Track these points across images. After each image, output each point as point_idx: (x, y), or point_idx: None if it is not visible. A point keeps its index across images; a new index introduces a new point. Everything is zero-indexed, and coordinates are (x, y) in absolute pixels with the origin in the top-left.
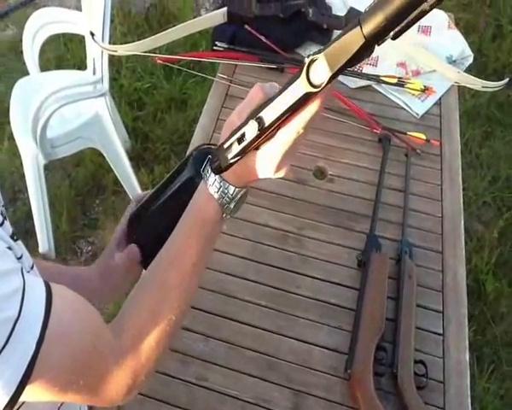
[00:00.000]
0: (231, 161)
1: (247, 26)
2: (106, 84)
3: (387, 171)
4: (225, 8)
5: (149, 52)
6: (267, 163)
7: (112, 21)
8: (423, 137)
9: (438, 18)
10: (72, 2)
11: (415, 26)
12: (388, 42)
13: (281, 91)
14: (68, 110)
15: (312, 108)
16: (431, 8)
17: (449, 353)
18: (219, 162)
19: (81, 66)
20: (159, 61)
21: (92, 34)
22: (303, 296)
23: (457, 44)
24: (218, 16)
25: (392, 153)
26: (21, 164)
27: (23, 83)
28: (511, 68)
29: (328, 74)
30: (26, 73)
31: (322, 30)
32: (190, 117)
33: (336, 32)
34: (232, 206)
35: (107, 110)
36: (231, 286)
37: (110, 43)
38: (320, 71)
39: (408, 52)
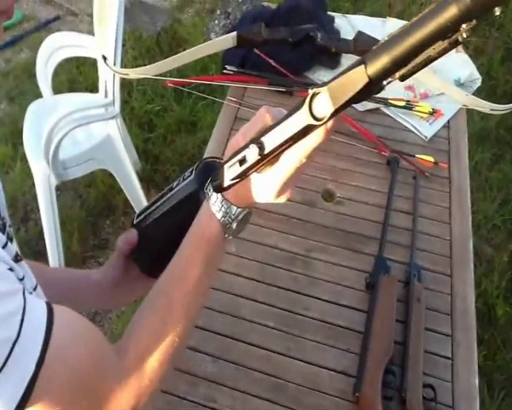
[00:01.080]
0: (231, 182)
1: (256, 50)
2: (117, 107)
3: (396, 193)
4: (235, 33)
5: (160, 75)
6: (268, 188)
7: (123, 45)
8: (432, 159)
9: None
10: (85, 26)
11: None
12: None
13: (283, 119)
14: (80, 132)
15: (316, 138)
16: (438, 55)
17: (458, 377)
18: (220, 181)
19: (93, 88)
20: (169, 84)
21: (104, 58)
22: (311, 318)
23: (465, 67)
24: (227, 40)
25: (401, 175)
26: (34, 184)
27: (36, 105)
28: None
29: (331, 109)
30: (39, 95)
31: (330, 53)
32: (200, 139)
33: (345, 56)
34: (234, 226)
35: (119, 132)
36: (240, 307)
37: (121, 66)
38: (323, 104)
39: (416, 75)
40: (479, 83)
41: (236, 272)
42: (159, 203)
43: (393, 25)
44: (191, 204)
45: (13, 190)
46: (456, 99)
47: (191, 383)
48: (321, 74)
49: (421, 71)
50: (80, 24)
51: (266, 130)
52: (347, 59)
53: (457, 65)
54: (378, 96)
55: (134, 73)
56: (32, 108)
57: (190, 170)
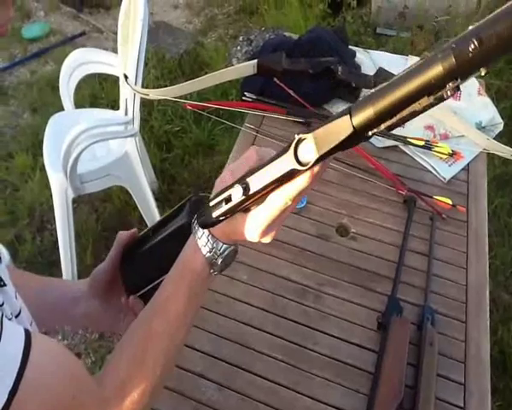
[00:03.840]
0: (216, 220)
1: (275, 79)
2: (136, 126)
3: (411, 233)
4: (256, 61)
5: (180, 97)
6: (253, 227)
7: (146, 65)
8: (449, 202)
9: (468, 83)
10: (110, 44)
11: None
12: None
13: (269, 161)
14: (99, 148)
15: (301, 183)
16: (424, 109)
17: None
18: (206, 218)
19: (114, 105)
20: (189, 106)
21: (126, 77)
22: (320, 354)
23: (487, 111)
24: (248, 67)
25: (417, 215)
26: (51, 196)
27: (57, 117)
28: None
29: (315, 156)
30: (61, 107)
31: (350, 88)
32: (217, 163)
33: (364, 91)
34: (219, 262)
35: (137, 150)
36: (248, 337)
37: (143, 85)
38: (308, 150)
39: (437, 115)
40: (500, 127)
41: (246, 300)
42: (150, 234)
43: (415, 63)
44: (181, 236)
45: (31, 199)
46: (476, 142)
47: None
48: (339, 107)
49: (443, 112)
50: (105, 41)
51: (252, 171)
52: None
53: (479, 108)
54: (397, 133)
55: (154, 94)
56: (54, 120)
57: (183, 202)
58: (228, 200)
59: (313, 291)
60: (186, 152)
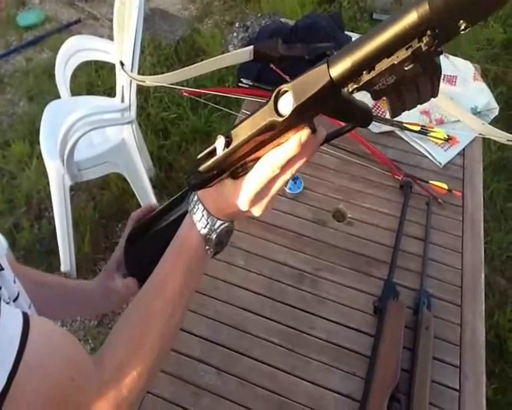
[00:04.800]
0: (204, 176)
1: (272, 65)
2: (133, 113)
3: (408, 218)
4: (252, 47)
5: (177, 84)
6: (241, 194)
7: (142, 52)
8: (445, 186)
9: (464, 69)
10: (106, 31)
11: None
12: None
13: (251, 114)
14: (96, 135)
15: (288, 148)
16: (403, 65)
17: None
18: (195, 179)
19: (110, 93)
20: (185, 93)
21: (122, 64)
22: (317, 338)
23: (483, 96)
24: (244, 54)
25: (413, 200)
26: (48, 183)
27: (54, 105)
28: None
29: (293, 105)
30: (57, 95)
31: None
32: None
33: None
34: (214, 237)
35: (134, 137)
36: (246, 322)
37: (139, 72)
38: (286, 101)
39: (432, 100)
40: (496, 112)
41: (244, 285)
42: (155, 220)
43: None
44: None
45: (28, 187)
46: (472, 127)
47: (195, 394)
48: None
49: (438, 96)
50: (101, 28)
51: (236, 125)
52: None
53: (475, 93)
54: (393, 119)
55: (150, 81)
56: (50, 107)
57: (186, 189)
58: (213, 152)
59: (310, 276)
60: (183, 139)
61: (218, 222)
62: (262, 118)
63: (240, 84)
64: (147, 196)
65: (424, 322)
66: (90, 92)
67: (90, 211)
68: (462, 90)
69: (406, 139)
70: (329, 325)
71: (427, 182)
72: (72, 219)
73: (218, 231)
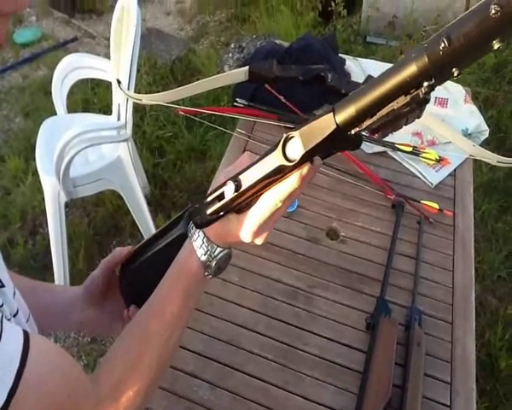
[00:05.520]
0: (210, 217)
1: (267, 86)
2: (129, 130)
3: (400, 237)
4: (247, 67)
5: (172, 103)
6: (246, 227)
7: (138, 71)
8: (436, 206)
9: (455, 91)
10: (102, 49)
11: (432, 98)
12: None
13: (260, 159)
14: (92, 152)
15: (290, 184)
16: (402, 109)
17: None
18: (201, 218)
19: (106, 110)
20: (181, 112)
21: (119, 82)
22: (310, 354)
23: (474, 118)
24: (240, 74)
25: (405, 219)
26: (43, 199)
27: (50, 122)
28: None
29: (302, 151)
30: (53, 112)
31: (340, 95)
32: (209, 168)
33: None
34: (213, 264)
35: (129, 155)
36: (240, 337)
37: (135, 91)
38: (295, 147)
39: (424, 122)
40: (486, 134)
41: (238, 301)
42: (147, 245)
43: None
44: (179, 246)
45: (23, 203)
46: (462, 149)
47: (189, 409)
48: None
49: (430, 119)
50: (97, 47)
51: (244, 169)
52: None
53: (466, 115)
54: (385, 139)
55: (147, 99)
56: (46, 124)
57: (181, 213)
58: (221, 197)
59: (304, 293)
60: (178, 157)
61: (218, 249)
62: (270, 162)
63: (235, 104)
64: (142, 213)
65: (416, 339)
66: (85, 110)
67: (84, 227)
68: (454, 113)
69: (398, 160)
70: (322, 341)
71: (419, 202)
72: (67, 234)
73: (218, 258)
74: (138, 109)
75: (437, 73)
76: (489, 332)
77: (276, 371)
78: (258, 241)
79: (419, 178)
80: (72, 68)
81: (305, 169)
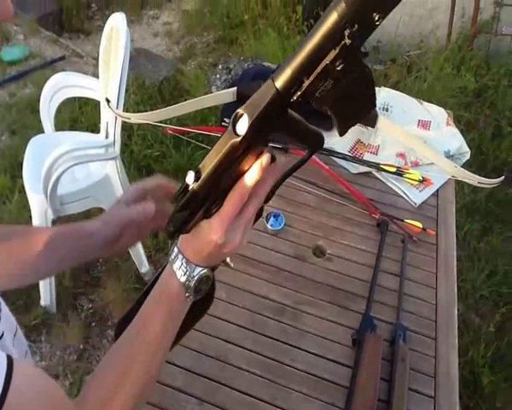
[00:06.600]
0: (180, 220)
1: None
2: (117, 149)
3: (384, 255)
4: (235, 88)
5: (160, 122)
6: (215, 226)
7: (126, 90)
8: (420, 225)
9: (437, 114)
10: (89, 68)
11: (415, 120)
12: (388, 135)
13: (215, 145)
14: (79, 170)
15: (252, 174)
16: (335, 64)
17: None
18: (173, 223)
19: (94, 129)
20: (169, 131)
21: (108, 101)
22: (297, 369)
23: (455, 140)
24: (227, 95)
25: (390, 238)
26: (30, 217)
27: (38, 140)
28: (510, 167)
29: (248, 122)
30: (40, 130)
31: (326, 116)
32: None
33: None
34: (192, 284)
35: (117, 173)
36: (228, 353)
37: (124, 110)
38: (242, 122)
39: (407, 144)
40: (467, 156)
41: (226, 318)
42: (137, 305)
43: (387, 94)
44: None
45: (9, 221)
46: (445, 170)
47: None
48: None
49: (413, 140)
50: (85, 66)
51: (202, 161)
52: None
53: (448, 138)
54: (371, 160)
55: (136, 118)
56: (34, 142)
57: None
58: (185, 190)
59: (291, 309)
60: (166, 176)
61: (197, 269)
62: (224, 143)
63: (223, 123)
64: None
65: (400, 354)
66: (73, 128)
67: None
68: (436, 135)
69: (383, 180)
70: (309, 356)
71: (403, 221)
72: None
73: (197, 277)
74: (126, 128)
75: (357, 17)
76: (472, 350)
77: (264, 387)
78: (231, 243)
79: (403, 197)
80: (60, 87)
81: (264, 158)
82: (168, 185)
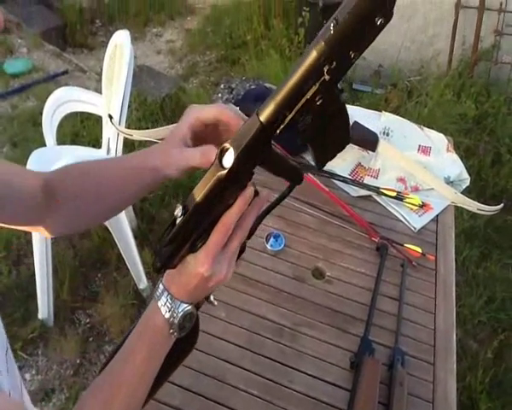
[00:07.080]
0: (167, 254)
1: None
2: None
3: (383, 278)
4: (237, 108)
5: (162, 140)
6: (201, 259)
7: (128, 106)
8: (419, 250)
9: (437, 141)
10: (92, 83)
11: (415, 146)
12: (389, 159)
13: (201, 179)
14: None
15: (237, 206)
16: (314, 99)
17: None
18: (159, 257)
19: (95, 144)
20: None
21: (110, 117)
22: (295, 391)
23: (455, 167)
24: None
25: (389, 262)
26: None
27: (40, 152)
28: (509, 194)
29: (233, 156)
30: (42, 143)
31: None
32: None
33: None
34: (176, 321)
35: None
36: (226, 372)
37: (126, 126)
38: (228, 155)
39: (408, 169)
40: (467, 182)
41: (224, 337)
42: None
43: (388, 119)
44: None
45: (7, 232)
46: (445, 196)
47: None
48: None
49: (414, 166)
50: (87, 81)
51: (190, 194)
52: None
53: (448, 164)
54: (371, 184)
55: (138, 135)
56: (36, 155)
57: None
58: (173, 223)
59: (289, 331)
60: (166, 193)
61: (182, 305)
62: (210, 177)
63: None
64: (128, 246)
65: (398, 378)
66: (74, 142)
67: (69, 259)
68: (436, 161)
69: (383, 204)
70: (307, 378)
71: (402, 245)
72: (52, 266)
73: (181, 313)
74: (127, 144)
75: (335, 55)
76: (470, 376)
77: (262, 407)
78: (217, 275)
79: (403, 222)
80: (63, 101)
81: (248, 191)
82: (229, 121)
